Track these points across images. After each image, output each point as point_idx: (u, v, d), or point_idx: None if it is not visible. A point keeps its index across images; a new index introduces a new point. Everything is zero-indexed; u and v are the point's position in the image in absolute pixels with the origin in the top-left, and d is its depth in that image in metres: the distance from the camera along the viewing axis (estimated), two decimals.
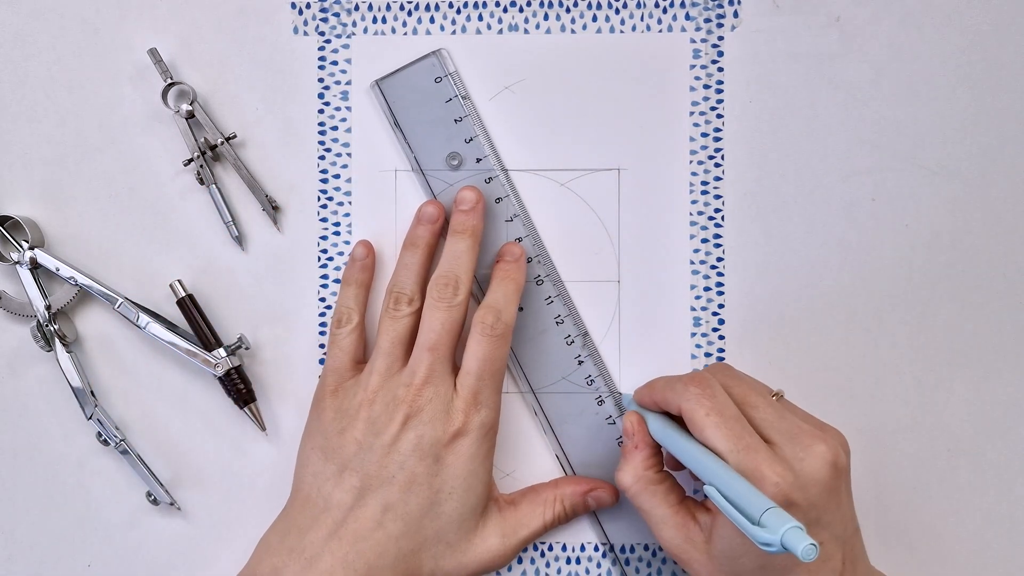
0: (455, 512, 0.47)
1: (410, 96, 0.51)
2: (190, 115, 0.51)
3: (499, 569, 0.50)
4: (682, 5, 0.52)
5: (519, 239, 0.51)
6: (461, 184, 0.51)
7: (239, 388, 0.51)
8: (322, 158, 0.52)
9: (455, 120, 0.51)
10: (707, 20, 0.52)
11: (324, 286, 0.52)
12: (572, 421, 0.51)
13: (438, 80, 0.51)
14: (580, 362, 0.51)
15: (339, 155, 0.52)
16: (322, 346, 0.52)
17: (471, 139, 0.51)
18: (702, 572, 0.44)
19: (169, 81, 0.51)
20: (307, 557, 0.46)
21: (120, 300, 0.51)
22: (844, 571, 0.43)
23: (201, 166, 0.51)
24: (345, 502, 0.47)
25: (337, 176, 0.52)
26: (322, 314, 0.52)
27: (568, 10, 0.52)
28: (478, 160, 0.51)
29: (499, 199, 0.51)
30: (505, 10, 0.52)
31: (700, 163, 0.52)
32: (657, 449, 0.47)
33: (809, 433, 0.43)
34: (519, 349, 0.52)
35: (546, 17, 0.52)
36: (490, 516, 0.49)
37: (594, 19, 0.52)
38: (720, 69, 0.52)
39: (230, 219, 0.51)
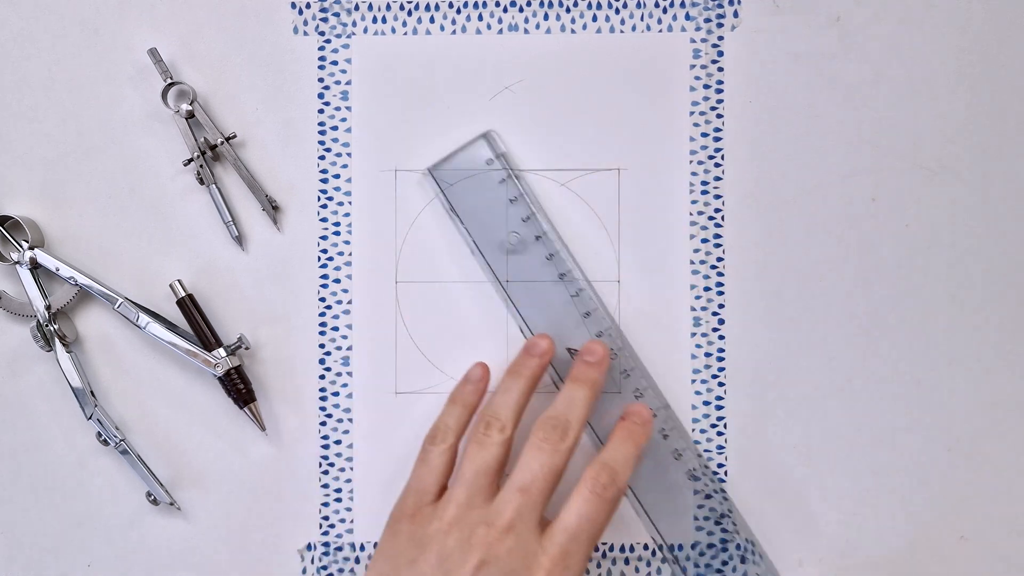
0: None
1: (464, 181, 0.51)
2: (190, 115, 0.51)
3: None
4: (682, 5, 0.52)
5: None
6: (523, 264, 0.51)
7: (239, 388, 0.51)
8: (322, 158, 0.52)
9: (510, 200, 0.51)
10: (707, 20, 0.52)
11: (324, 286, 0.52)
12: (658, 491, 0.51)
13: (489, 163, 0.51)
14: (665, 436, 0.51)
15: (339, 155, 0.52)
16: (322, 346, 0.52)
17: (527, 218, 0.51)
18: None
19: (169, 81, 0.51)
20: None
21: (120, 300, 0.51)
22: None
23: (201, 166, 0.51)
24: None
25: (337, 176, 0.52)
26: (322, 314, 0.52)
27: (568, 10, 0.52)
28: (537, 238, 0.51)
29: (551, 255, 0.51)
30: (505, 10, 0.52)
31: (700, 163, 0.52)
32: None
33: None
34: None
35: (546, 17, 0.52)
36: None
37: (594, 19, 0.52)
38: (720, 69, 0.52)
39: (230, 219, 0.51)
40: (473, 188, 0.51)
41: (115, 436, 0.51)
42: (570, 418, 0.46)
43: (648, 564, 0.52)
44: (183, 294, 0.51)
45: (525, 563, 0.43)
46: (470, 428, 0.48)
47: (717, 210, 0.52)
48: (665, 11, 0.52)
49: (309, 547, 0.51)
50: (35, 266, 0.51)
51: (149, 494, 0.51)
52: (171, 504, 0.51)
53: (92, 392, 0.51)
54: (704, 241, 0.52)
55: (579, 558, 0.43)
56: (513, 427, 0.47)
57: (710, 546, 0.52)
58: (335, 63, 0.52)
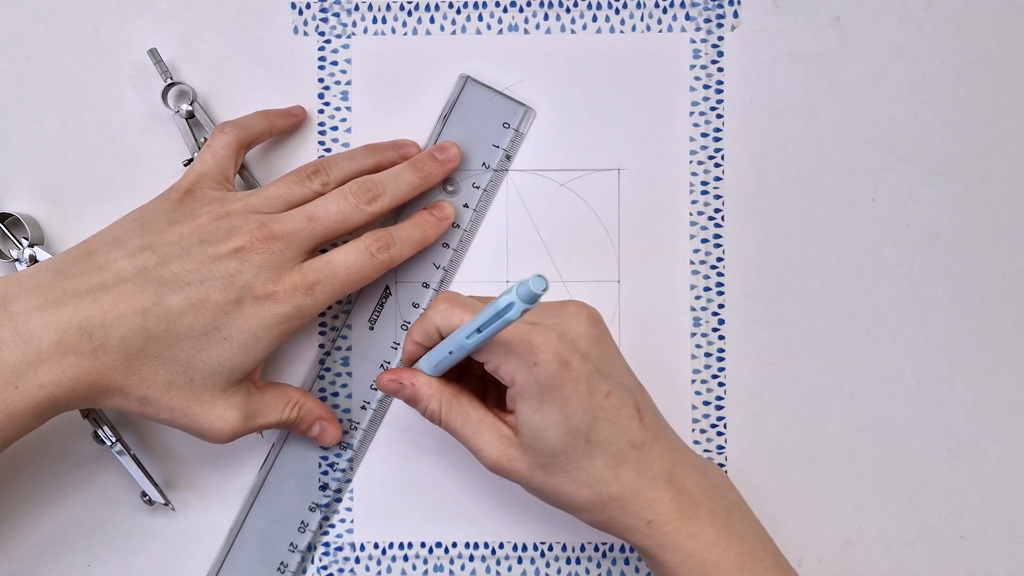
0: (218, 359, 0.44)
1: (474, 111, 0.51)
2: (190, 115, 0.51)
3: (217, 443, 0.47)
4: (682, 5, 0.52)
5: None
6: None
7: None
8: (322, 158, 0.52)
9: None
10: (707, 20, 0.52)
11: None
12: None
13: (505, 126, 0.51)
14: None
15: None
16: (322, 346, 0.52)
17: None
18: (523, 470, 0.43)
19: (169, 81, 0.51)
20: (49, 298, 0.42)
21: None
22: (643, 418, 0.43)
23: None
24: (125, 273, 0.43)
25: None
26: (322, 313, 0.52)
27: (568, 10, 0.52)
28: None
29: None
30: (505, 10, 0.52)
31: (700, 163, 0.52)
32: (432, 379, 0.45)
33: (557, 303, 0.44)
34: None
35: (546, 17, 0.52)
36: (240, 392, 0.46)
37: (594, 19, 0.52)
38: (720, 69, 0.52)
39: None
40: (475, 123, 0.51)
41: (111, 436, 0.50)
42: (388, 189, 0.47)
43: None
44: None
45: (279, 269, 0.44)
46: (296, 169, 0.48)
47: (717, 210, 0.52)
48: (665, 11, 0.52)
49: (309, 547, 0.51)
50: (34, 263, 0.51)
51: (144, 494, 0.51)
52: (165, 504, 0.51)
53: None
54: (704, 241, 0.52)
55: (325, 292, 0.45)
56: (337, 187, 0.47)
57: None
58: (335, 63, 0.52)
